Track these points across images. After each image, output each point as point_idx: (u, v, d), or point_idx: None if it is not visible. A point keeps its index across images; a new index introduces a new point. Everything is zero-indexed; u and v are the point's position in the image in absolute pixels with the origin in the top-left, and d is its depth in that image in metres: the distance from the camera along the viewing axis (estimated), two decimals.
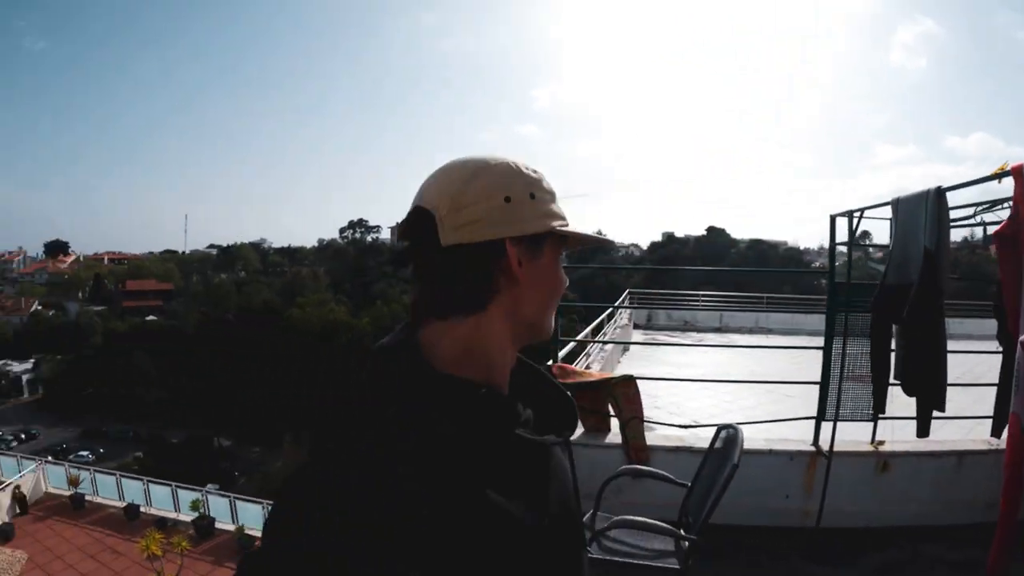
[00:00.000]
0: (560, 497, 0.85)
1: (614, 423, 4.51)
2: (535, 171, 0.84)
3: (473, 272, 0.78)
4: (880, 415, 4.08)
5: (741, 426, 4.92)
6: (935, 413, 3.33)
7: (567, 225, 0.86)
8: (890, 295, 3.27)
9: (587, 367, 7.51)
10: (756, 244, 66.18)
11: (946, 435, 4.68)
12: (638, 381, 4.56)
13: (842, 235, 4.26)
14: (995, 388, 3.86)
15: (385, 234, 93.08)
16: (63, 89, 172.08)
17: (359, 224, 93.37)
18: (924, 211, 2.95)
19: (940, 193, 2.88)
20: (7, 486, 13.41)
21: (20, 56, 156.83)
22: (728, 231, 74.91)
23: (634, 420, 4.36)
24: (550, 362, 4.95)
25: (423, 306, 0.82)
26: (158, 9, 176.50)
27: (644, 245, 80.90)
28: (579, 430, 4.61)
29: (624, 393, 4.46)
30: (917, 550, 4.06)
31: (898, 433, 4.50)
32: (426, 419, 0.71)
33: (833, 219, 4.34)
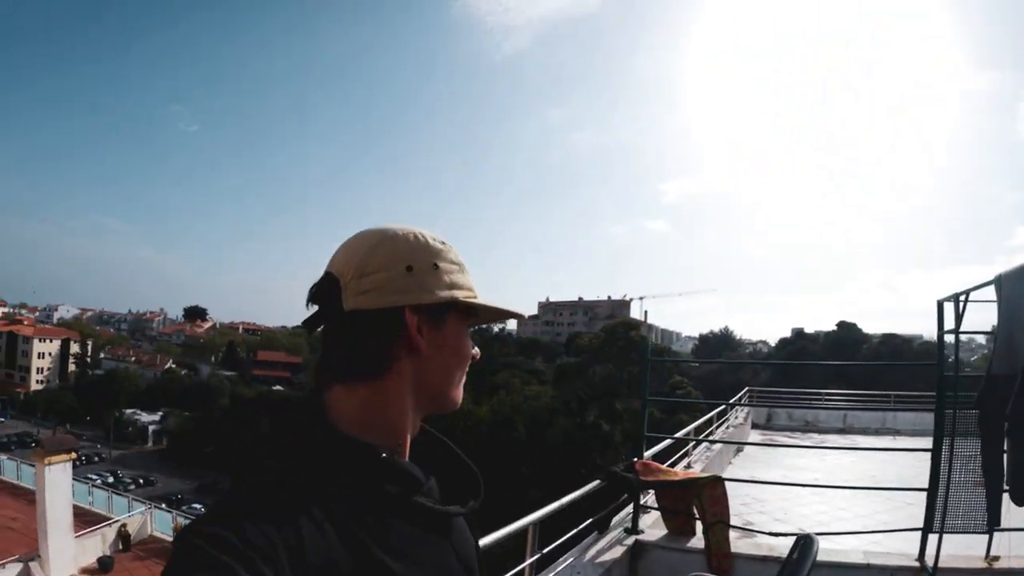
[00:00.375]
0: (450, 567, 0.84)
1: (699, 526, 4.29)
2: (442, 242, 0.85)
3: (373, 338, 0.79)
4: (996, 527, 3.59)
5: (845, 536, 4.59)
6: None
7: (474, 297, 0.86)
8: (996, 387, 2.90)
9: (688, 466, 7.22)
10: (889, 339, 61.07)
11: None
12: (735, 483, 4.36)
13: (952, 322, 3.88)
14: None
15: (512, 324, 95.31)
16: (212, 166, 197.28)
17: None
18: None
19: None
20: (114, 523, 14.75)
21: (175, 138, 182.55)
22: (860, 325, 70.03)
23: (719, 524, 4.07)
24: (635, 458, 4.75)
25: (326, 369, 0.82)
26: (292, 96, 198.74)
27: (773, 341, 77.42)
28: (661, 531, 4.46)
29: (711, 495, 4.20)
30: None
31: (1017, 547, 4.00)
32: (324, 477, 0.72)
33: (940, 304, 3.88)
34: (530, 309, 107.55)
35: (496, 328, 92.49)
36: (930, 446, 3.98)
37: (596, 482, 4.29)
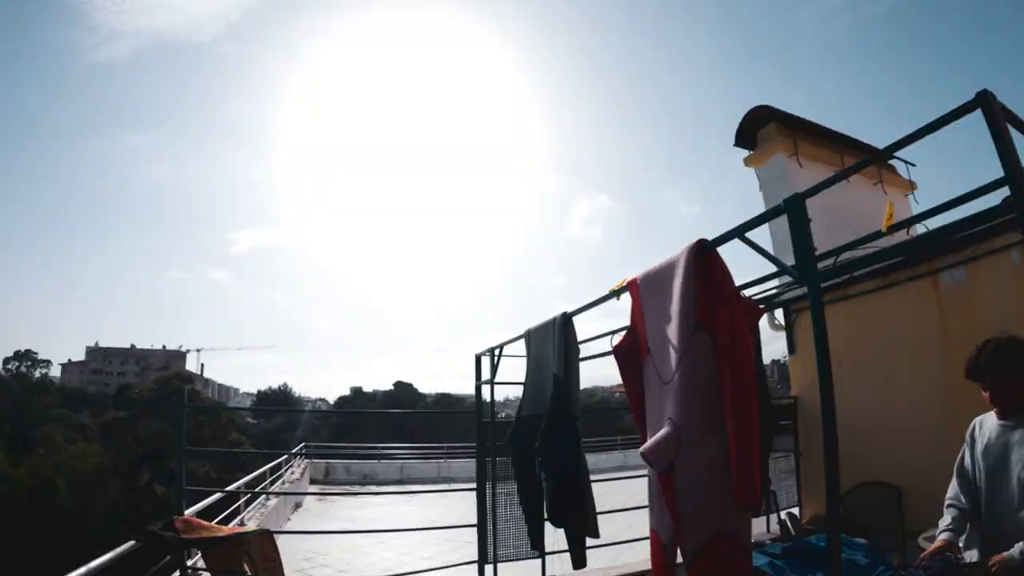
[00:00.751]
0: None
1: None
2: None
3: None
4: (542, 552, 3.91)
5: None
6: (599, 540, 3.18)
7: None
8: (525, 427, 3.21)
9: (241, 523, 6.67)
10: (443, 397, 68.79)
11: (629, 559, 4.81)
12: (294, 536, 4.00)
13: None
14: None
15: (56, 371, 77.58)
16: None
17: (25, 356, 75.13)
18: (552, 339, 3.00)
19: (566, 319, 2.97)
20: None
21: None
22: (416, 386, 76.97)
23: None
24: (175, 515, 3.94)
25: None
26: None
27: (332, 399, 78.84)
28: None
29: (260, 551, 3.76)
30: None
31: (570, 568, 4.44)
32: None
33: (478, 358, 4.40)
34: (77, 354, 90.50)
35: (37, 374, 73.88)
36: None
37: (129, 544, 3.62)
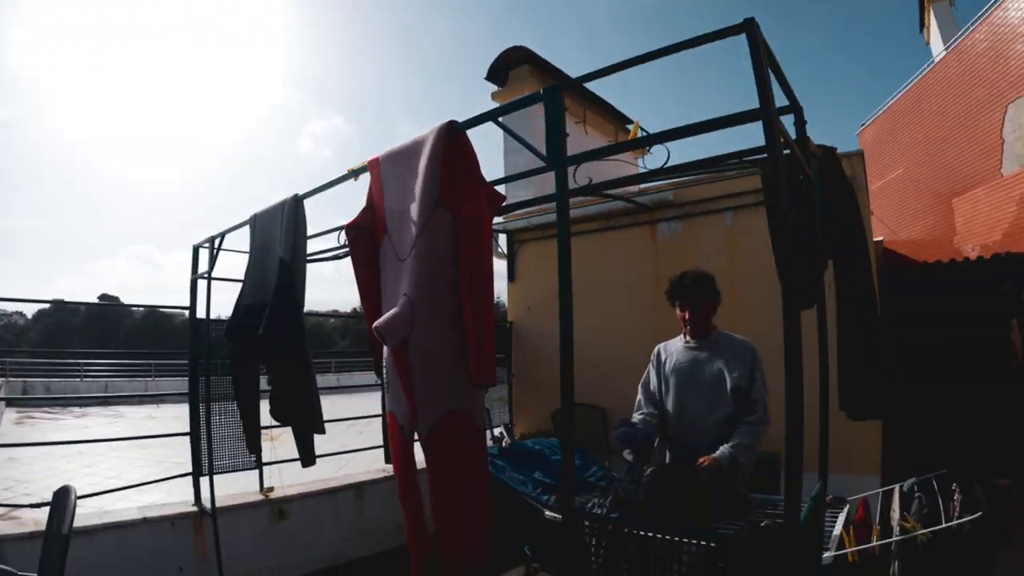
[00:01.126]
0: None
1: None
2: None
3: None
4: (256, 454, 3.66)
5: (118, 497, 3.95)
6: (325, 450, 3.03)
7: None
8: (247, 316, 2.88)
9: None
10: (152, 312, 61.83)
11: (353, 469, 4.80)
12: None
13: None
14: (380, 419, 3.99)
15: None
16: None
17: None
18: (281, 221, 2.69)
19: (297, 200, 2.66)
20: None
21: None
22: (123, 299, 67.89)
23: None
24: None
25: None
26: None
27: (31, 313, 66.22)
28: None
29: None
30: None
31: (289, 478, 4.25)
32: None
33: (196, 250, 3.89)
34: None
35: None
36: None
37: None
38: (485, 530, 1.92)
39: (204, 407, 3.75)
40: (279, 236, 2.65)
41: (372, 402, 4.81)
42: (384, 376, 2.06)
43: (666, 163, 2.18)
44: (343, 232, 3.18)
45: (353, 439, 5.29)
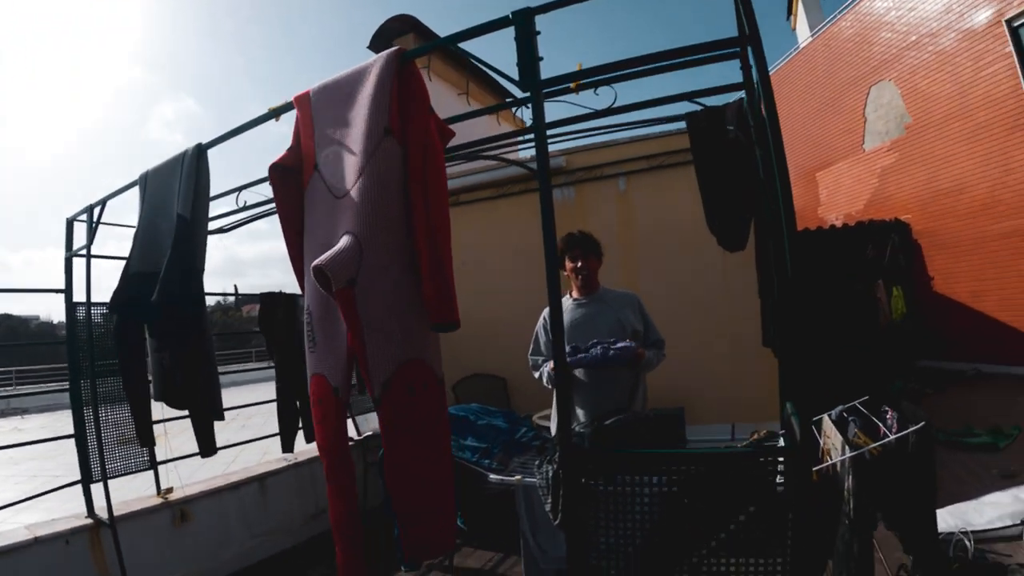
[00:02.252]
0: None
1: None
2: None
3: None
4: (150, 449, 3.37)
5: None
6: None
7: None
8: (137, 286, 2.48)
9: None
10: (4, 319, 55.73)
11: (247, 461, 4.51)
12: None
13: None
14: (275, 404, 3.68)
15: None
16: None
17: None
18: (180, 175, 2.36)
19: (200, 151, 2.35)
20: None
21: None
22: None
23: None
24: None
25: None
26: None
27: None
28: None
29: None
30: None
31: (187, 476, 3.87)
32: None
33: (70, 223, 3.38)
34: None
35: None
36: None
37: None
38: (453, 502, 1.76)
39: (93, 403, 3.27)
40: (177, 192, 2.33)
41: (248, 395, 4.56)
42: (309, 333, 1.79)
43: (613, 103, 2.14)
44: (241, 193, 2.95)
45: (236, 434, 4.87)
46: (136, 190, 2.63)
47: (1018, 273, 7.98)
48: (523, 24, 1.56)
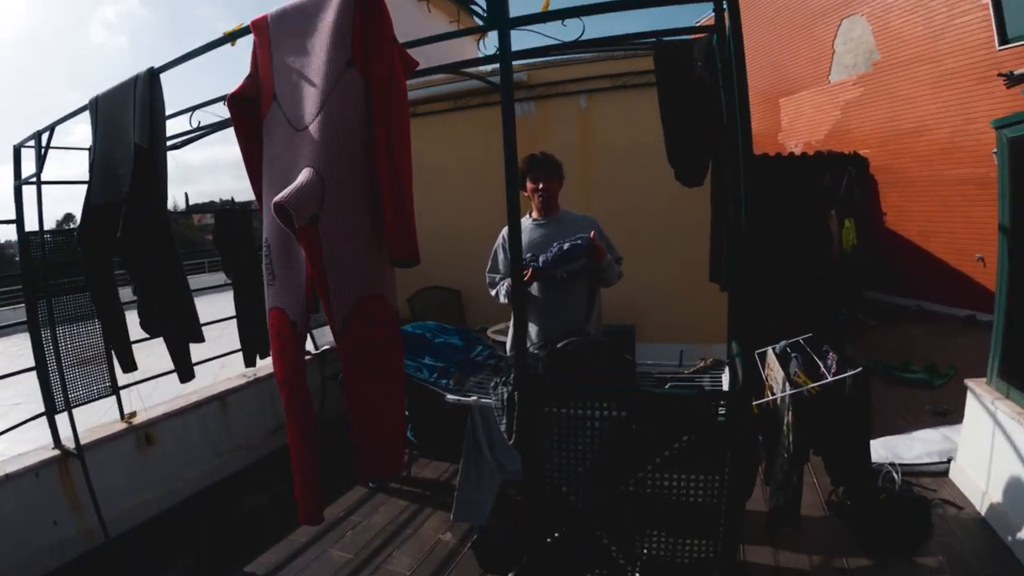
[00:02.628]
0: None
1: None
2: None
3: None
4: (121, 383, 3.43)
5: None
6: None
7: None
8: (100, 219, 2.46)
9: None
10: None
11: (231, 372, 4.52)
12: None
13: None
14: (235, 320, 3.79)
15: None
16: None
17: None
18: (133, 102, 2.27)
19: (152, 75, 2.25)
20: None
21: None
22: None
23: None
24: None
25: None
26: None
27: None
28: None
29: None
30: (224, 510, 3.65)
31: (149, 398, 3.92)
32: None
33: (17, 150, 3.22)
34: None
35: None
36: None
37: None
38: (404, 430, 1.84)
39: (51, 333, 3.23)
40: (131, 120, 2.25)
41: (204, 307, 4.48)
42: (268, 267, 1.80)
43: (581, 36, 2.11)
44: (195, 113, 2.84)
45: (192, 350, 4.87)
46: (86, 116, 2.55)
47: (967, 219, 8.24)
48: None
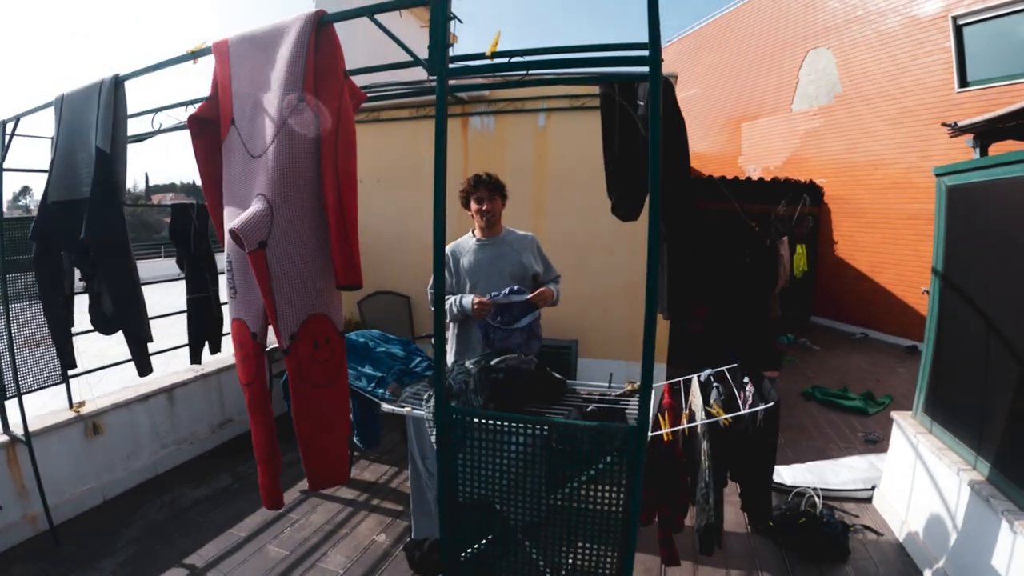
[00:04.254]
0: None
1: None
2: None
3: None
4: (72, 372, 3.40)
5: None
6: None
7: None
8: (59, 216, 2.53)
9: None
10: None
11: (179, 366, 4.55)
12: None
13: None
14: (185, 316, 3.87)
15: None
16: None
17: None
18: (97, 105, 2.33)
19: (117, 82, 2.31)
20: None
21: None
22: None
23: None
24: None
25: None
26: None
27: None
28: None
29: None
30: (166, 502, 3.66)
31: (98, 387, 3.95)
32: None
33: None
34: None
35: None
36: None
37: None
38: (346, 440, 1.96)
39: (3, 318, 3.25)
40: (95, 123, 2.32)
41: (155, 296, 4.47)
42: (230, 281, 1.91)
43: (524, 76, 2.24)
44: (157, 116, 2.89)
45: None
46: (52, 112, 2.58)
47: (916, 253, 8.57)
48: (440, 7, 1.60)
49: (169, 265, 4.65)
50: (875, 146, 9.25)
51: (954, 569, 2.81)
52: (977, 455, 2.86)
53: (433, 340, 1.66)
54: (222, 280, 2.18)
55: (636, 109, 2.65)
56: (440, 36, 1.58)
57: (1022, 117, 3.58)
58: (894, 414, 3.69)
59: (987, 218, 3.00)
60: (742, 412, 2.38)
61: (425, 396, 2.67)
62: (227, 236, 1.83)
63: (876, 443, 4.85)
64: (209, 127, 1.91)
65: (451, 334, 3.24)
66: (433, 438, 2.49)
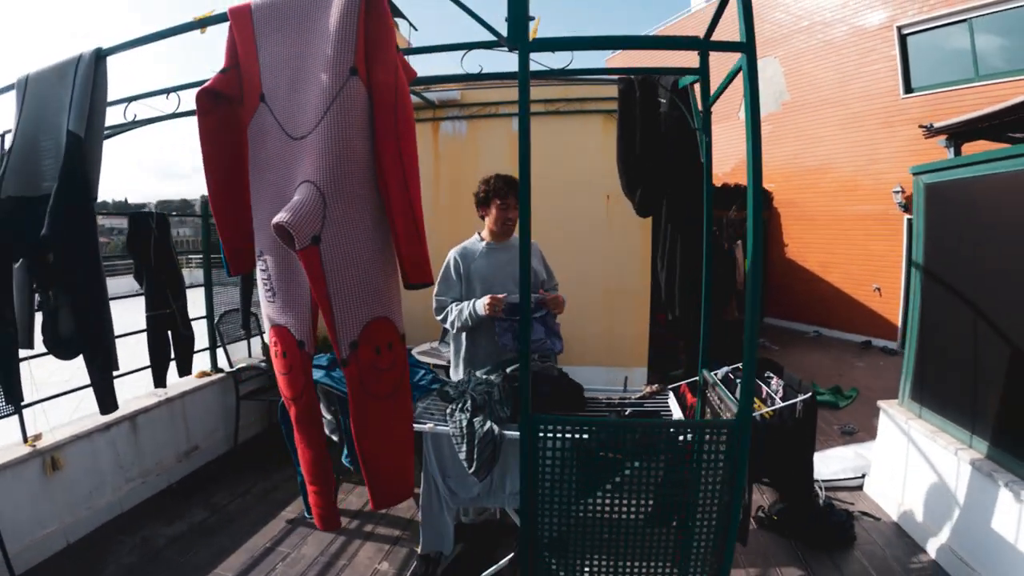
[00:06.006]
0: None
1: None
2: None
3: None
4: (22, 403, 2.97)
5: None
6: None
7: None
8: (15, 213, 2.14)
9: None
10: None
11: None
12: None
13: None
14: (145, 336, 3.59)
15: None
16: None
17: None
18: (72, 83, 2.01)
19: (99, 57, 2.01)
20: None
21: None
22: None
23: None
24: None
25: None
26: None
27: None
28: None
29: None
30: (138, 542, 3.30)
31: (55, 417, 3.58)
32: None
33: None
34: None
35: None
36: None
37: None
38: (411, 452, 1.76)
39: None
40: (67, 104, 2.00)
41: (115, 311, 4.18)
42: (266, 283, 1.66)
43: (568, 65, 2.16)
44: (130, 106, 2.60)
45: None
46: (12, 95, 2.23)
47: (865, 252, 8.92)
48: None
49: (125, 283, 4.25)
50: (824, 150, 9.59)
51: (959, 541, 2.90)
52: (972, 434, 2.96)
53: (519, 346, 1.54)
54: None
55: (658, 106, 2.63)
56: (520, 9, 1.46)
57: (996, 119, 3.78)
58: (880, 403, 3.78)
59: (966, 211, 3.12)
60: (782, 404, 2.34)
61: (448, 411, 2.51)
62: (259, 229, 1.61)
63: (853, 434, 5.01)
64: (223, 106, 1.66)
65: (453, 349, 3.11)
66: (462, 455, 2.34)
